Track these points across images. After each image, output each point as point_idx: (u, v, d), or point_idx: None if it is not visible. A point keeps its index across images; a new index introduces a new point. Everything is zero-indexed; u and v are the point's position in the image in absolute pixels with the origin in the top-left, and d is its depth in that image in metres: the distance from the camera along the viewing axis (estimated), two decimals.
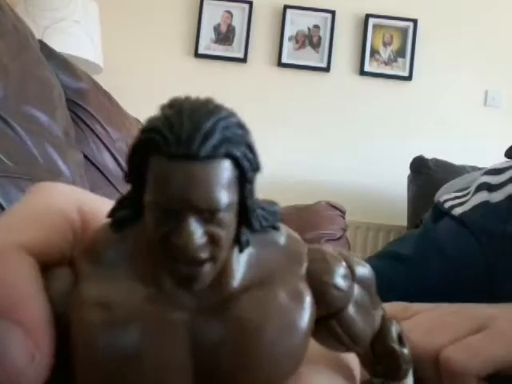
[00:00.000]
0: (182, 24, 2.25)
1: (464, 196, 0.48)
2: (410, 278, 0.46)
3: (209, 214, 0.12)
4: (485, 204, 0.44)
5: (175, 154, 0.12)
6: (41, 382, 0.13)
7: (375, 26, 2.22)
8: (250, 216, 0.14)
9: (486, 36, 2.23)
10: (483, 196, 0.45)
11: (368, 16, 2.22)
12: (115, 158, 1.24)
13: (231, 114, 0.13)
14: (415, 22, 2.21)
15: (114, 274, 0.14)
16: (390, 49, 2.23)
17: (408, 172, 1.98)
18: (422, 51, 2.23)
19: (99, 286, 0.13)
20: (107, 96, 1.32)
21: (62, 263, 0.15)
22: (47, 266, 0.14)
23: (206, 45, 2.23)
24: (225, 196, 0.12)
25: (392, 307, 0.33)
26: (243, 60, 2.20)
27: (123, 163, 1.28)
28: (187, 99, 0.13)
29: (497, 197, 0.44)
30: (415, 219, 1.65)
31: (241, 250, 0.14)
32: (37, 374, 0.13)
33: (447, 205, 0.48)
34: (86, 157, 1.12)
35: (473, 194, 0.46)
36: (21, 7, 1.72)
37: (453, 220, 0.46)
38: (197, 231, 0.12)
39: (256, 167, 0.14)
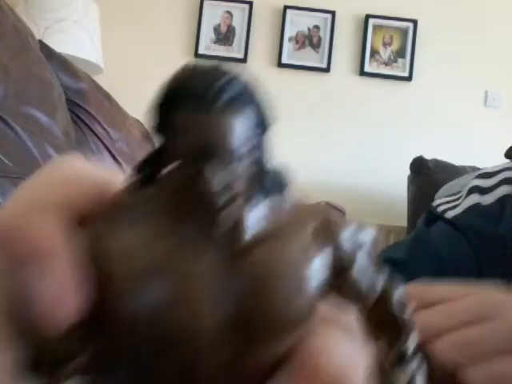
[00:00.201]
0: (182, 24, 2.25)
1: (456, 200, 0.48)
2: (405, 281, 0.46)
3: (225, 163, 0.14)
4: (476, 206, 0.45)
5: (192, 110, 0.14)
6: (64, 330, 0.13)
7: (375, 27, 2.22)
8: (263, 172, 0.15)
9: (486, 36, 2.23)
10: (475, 199, 0.45)
11: (368, 16, 2.22)
12: (115, 159, 1.24)
13: (241, 76, 0.15)
14: (415, 22, 2.21)
15: (138, 228, 0.14)
16: (389, 49, 2.23)
17: (408, 172, 1.98)
18: (422, 52, 2.23)
19: (123, 239, 0.14)
20: (107, 96, 1.32)
21: (86, 223, 0.15)
22: (74, 225, 0.15)
23: (206, 45, 2.23)
24: (240, 146, 0.14)
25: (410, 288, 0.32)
26: (243, 60, 2.20)
27: (123, 163, 1.28)
28: (199, 64, 0.15)
29: (488, 199, 0.44)
30: (415, 220, 1.65)
31: (254, 203, 0.15)
32: (63, 320, 0.13)
33: (440, 209, 0.48)
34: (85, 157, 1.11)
35: (465, 198, 0.47)
36: (21, 8, 1.72)
37: (446, 223, 0.46)
38: (215, 179, 0.13)
39: (267, 123, 0.15)
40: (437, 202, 0.50)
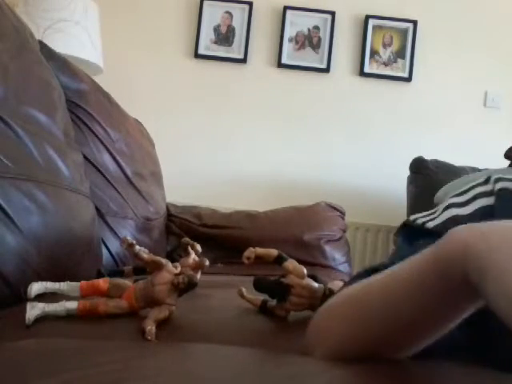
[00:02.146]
0: (182, 25, 2.25)
1: (432, 214, 0.48)
2: None
3: None
4: (455, 217, 0.45)
5: None
6: None
7: (375, 27, 2.23)
8: None
9: (486, 37, 2.23)
10: (452, 211, 0.46)
11: (368, 17, 2.22)
12: (115, 159, 1.24)
13: None
14: (415, 23, 2.21)
15: None
16: (389, 50, 2.23)
17: (408, 173, 1.98)
18: (422, 52, 2.23)
19: None
20: (107, 97, 1.32)
21: None
22: None
23: (206, 45, 2.23)
24: None
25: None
26: (243, 61, 2.20)
27: (123, 164, 1.28)
28: None
29: (466, 210, 0.45)
30: None
31: None
32: None
33: (419, 221, 0.48)
34: (85, 157, 1.11)
35: (441, 212, 0.47)
36: (21, 8, 1.72)
37: (429, 235, 0.46)
38: None
39: None
40: (412, 217, 0.50)
